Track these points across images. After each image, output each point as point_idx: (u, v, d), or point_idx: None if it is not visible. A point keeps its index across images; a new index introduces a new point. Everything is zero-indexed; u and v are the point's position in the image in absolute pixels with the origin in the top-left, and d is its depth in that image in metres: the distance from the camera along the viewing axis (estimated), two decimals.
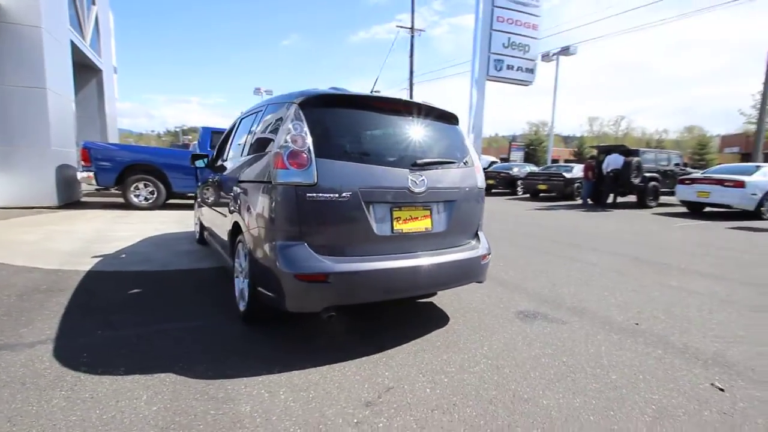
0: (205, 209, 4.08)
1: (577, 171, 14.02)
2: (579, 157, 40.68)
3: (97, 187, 7.23)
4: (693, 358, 2.31)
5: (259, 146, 2.49)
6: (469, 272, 2.53)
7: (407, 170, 2.29)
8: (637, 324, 2.81)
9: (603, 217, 9.64)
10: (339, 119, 2.27)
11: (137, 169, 7.37)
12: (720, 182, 9.70)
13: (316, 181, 2.05)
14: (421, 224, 2.36)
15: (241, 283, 2.63)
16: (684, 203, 10.89)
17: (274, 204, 2.08)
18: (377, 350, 2.28)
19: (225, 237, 3.03)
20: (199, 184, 4.72)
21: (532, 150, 41.31)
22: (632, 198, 12.58)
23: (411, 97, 27.70)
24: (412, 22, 27.19)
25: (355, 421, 1.66)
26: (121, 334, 2.37)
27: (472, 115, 16.52)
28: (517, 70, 17.16)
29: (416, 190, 2.29)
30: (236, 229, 2.70)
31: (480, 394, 1.88)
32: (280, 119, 2.28)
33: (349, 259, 2.11)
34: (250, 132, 2.89)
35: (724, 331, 2.72)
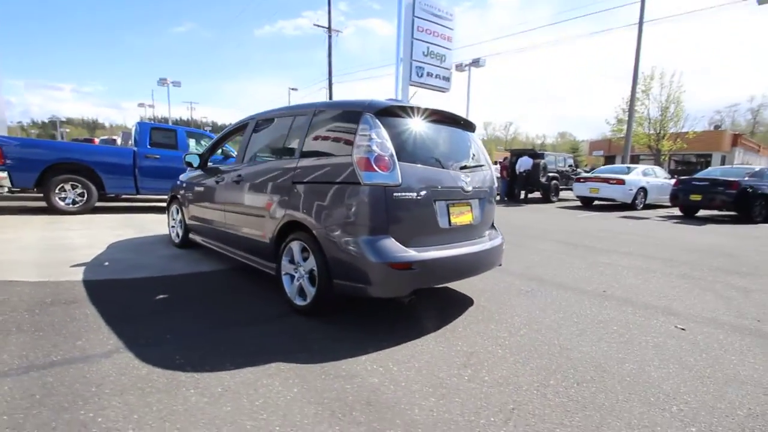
0: (205, 211, 3.93)
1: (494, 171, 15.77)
2: None
3: (13, 189, 6.16)
4: (654, 311, 3.14)
5: (326, 150, 2.68)
6: (497, 257, 3.05)
7: (460, 172, 2.72)
8: (604, 291, 3.64)
9: (521, 211, 11.15)
10: (405, 127, 2.59)
11: (63, 168, 6.45)
12: (606, 180, 11.92)
13: (400, 182, 2.36)
14: (466, 218, 2.80)
15: (295, 280, 2.77)
16: (579, 198, 13.08)
17: (362, 202, 2.32)
18: (436, 328, 2.65)
19: (259, 238, 3.09)
20: (182, 184, 4.49)
21: None
22: (538, 194, 14.67)
23: (330, 97, 27.82)
24: (329, 22, 27.30)
25: (466, 377, 2.04)
26: (193, 337, 2.37)
27: None
28: (436, 77, 18.54)
29: (467, 189, 2.73)
30: (287, 229, 2.82)
31: (538, 348, 2.40)
32: (351, 125, 2.51)
33: (423, 248, 2.46)
34: (291, 135, 3.01)
35: (662, 292, 3.67)
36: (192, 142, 7.80)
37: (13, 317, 2.51)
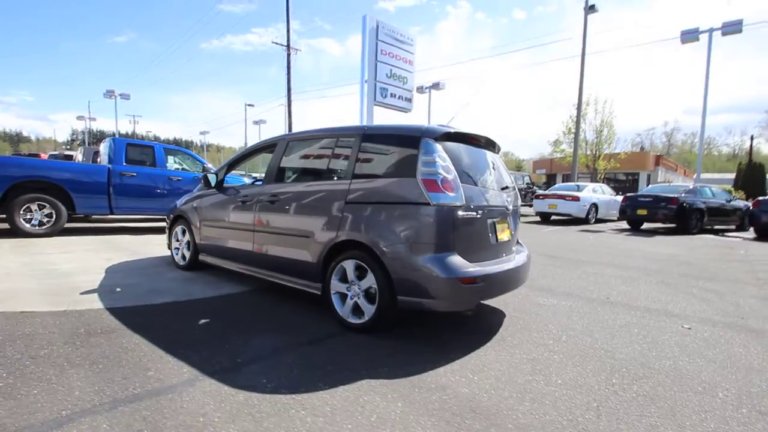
0: (226, 232, 3.82)
1: None
2: None
3: None
4: (657, 314, 3.55)
5: (382, 172, 2.80)
6: (529, 269, 3.30)
7: (502, 192, 2.95)
8: (608, 298, 4.03)
9: None
10: (457, 151, 2.78)
11: (29, 186, 5.87)
12: (563, 197, 12.94)
13: (465, 202, 2.53)
14: (506, 234, 3.03)
15: (348, 299, 2.82)
16: (538, 213, 14.04)
17: (431, 222, 2.46)
18: (487, 339, 2.82)
19: (302, 258, 3.10)
20: (191, 204, 4.32)
21: None
22: None
23: (289, 114, 27.66)
24: (288, 40, 27.33)
25: (542, 382, 2.22)
26: (265, 359, 2.34)
27: None
28: (399, 98, 19.19)
29: (509, 207, 2.96)
30: (337, 248, 2.87)
31: (585, 352, 2.64)
32: (411, 149, 2.66)
33: (480, 264, 2.64)
34: (336, 157, 3.09)
35: (654, 297, 4.14)
36: (171, 159, 7.44)
37: (57, 351, 2.32)
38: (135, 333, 2.63)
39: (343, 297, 2.90)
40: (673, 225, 10.96)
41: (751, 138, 37.53)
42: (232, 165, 4.12)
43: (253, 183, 4.40)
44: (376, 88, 18.00)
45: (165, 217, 4.97)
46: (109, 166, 6.64)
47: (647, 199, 11.24)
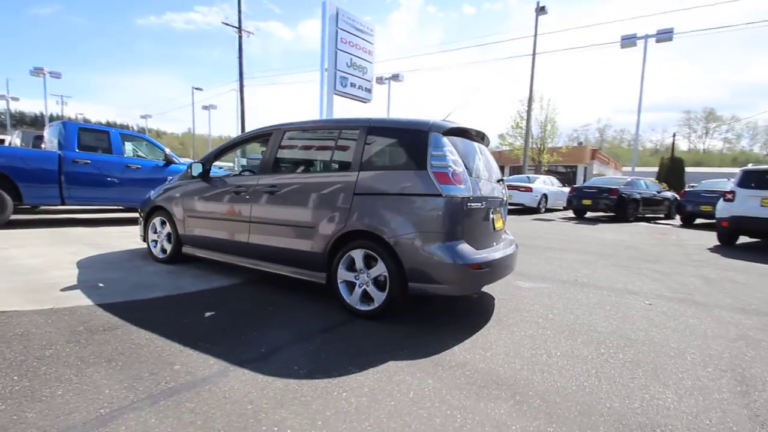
0: (217, 224, 3.71)
1: None
2: None
3: None
4: (620, 293, 4.00)
5: (390, 164, 2.90)
6: (517, 256, 3.56)
7: (497, 184, 3.17)
8: (576, 280, 4.45)
9: None
10: (460, 144, 2.94)
11: None
12: (517, 188, 13.73)
13: (472, 193, 2.71)
14: (500, 224, 3.27)
15: (357, 287, 2.91)
16: None
17: (442, 212, 2.61)
18: (486, 320, 3.04)
19: (305, 248, 3.12)
20: (172, 195, 4.12)
21: None
22: None
23: (242, 100, 26.49)
24: (240, 22, 26.01)
25: (545, 355, 2.47)
26: (289, 348, 2.39)
27: None
28: (359, 88, 19.10)
29: (504, 198, 3.19)
30: (344, 238, 2.94)
31: (571, 327, 2.95)
32: (419, 143, 2.77)
33: (482, 251, 2.84)
34: (340, 149, 3.13)
35: (614, 278, 4.63)
36: (129, 145, 6.94)
37: (62, 350, 2.20)
38: (141, 328, 2.54)
39: (349, 285, 2.98)
40: (612, 214, 12.08)
41: (673, 135, 41.85)
42: (219, 155, 3.99)
43: (240, 173, 4.28)
44: (336, 77, 17.77)
45: (137, 209, 4.69)
46: (60, 152, 6.08)
47: (591, 191, 12.26)
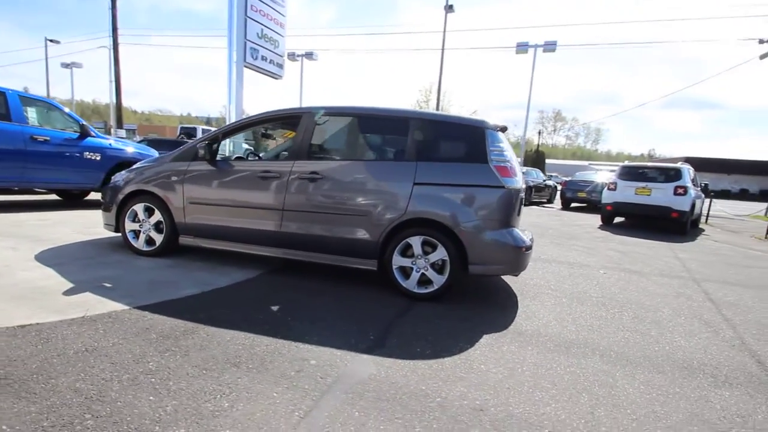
0: (236, 211, 3.38)
1: None
2: None
3: None
4: (579, 266, 4.91)
5: (449, 156, 3.09)
6: None
7: (524, 175, 3.62)
8: (539, 257, 5.27)
9: None
10: (501, 140, 3.27)
11: None
12: None
13: (523, 185, 3.09)
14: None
15: (414, 272, 3.08)
16: None
17: (504, 201, 2.94)
18: (512, 297, 3.52)
19: (356, 236, 3.14)
20: (167, 179, 3.55)
21: None
22: None
23: (116, 60, 22.35)
24: None
25: (573, 319, 3.04)
26: (391, 334, 2.48)
27: (232, 98, 15.98)
28: (270, 62, 17.78)
29: (525, 186, 3.66)
30: (402, 225, 3.06)
31: (575, 294, 3.62)
32: (477, 139, 3.03)
33: (524, 234, 3.26)
34: (390, 139, 3.19)
35: (562, 253, 5.60)
36: (32, 111, 5.52)
37: (167, 363, 1.93)
38: (222, 328, 2.32)
39: (404, 271, 3.12)
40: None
41: (539, 132, 49.32)
42: (227, 134, 3.59)
43: (246, 157, 3.91)
44: (246, 47, 16.27)
45: (98, 192, 3.91)
46: None
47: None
